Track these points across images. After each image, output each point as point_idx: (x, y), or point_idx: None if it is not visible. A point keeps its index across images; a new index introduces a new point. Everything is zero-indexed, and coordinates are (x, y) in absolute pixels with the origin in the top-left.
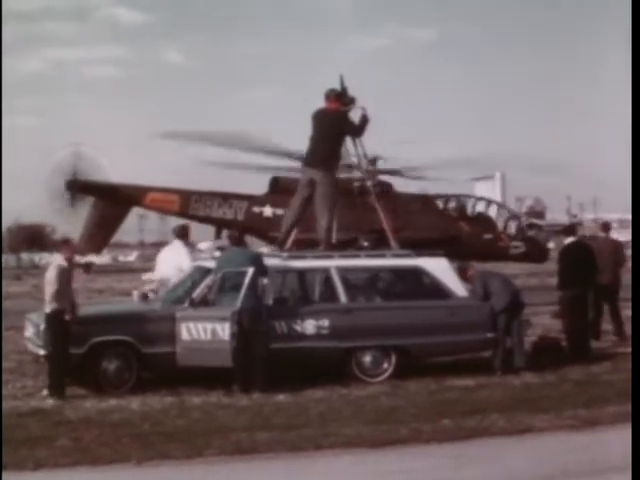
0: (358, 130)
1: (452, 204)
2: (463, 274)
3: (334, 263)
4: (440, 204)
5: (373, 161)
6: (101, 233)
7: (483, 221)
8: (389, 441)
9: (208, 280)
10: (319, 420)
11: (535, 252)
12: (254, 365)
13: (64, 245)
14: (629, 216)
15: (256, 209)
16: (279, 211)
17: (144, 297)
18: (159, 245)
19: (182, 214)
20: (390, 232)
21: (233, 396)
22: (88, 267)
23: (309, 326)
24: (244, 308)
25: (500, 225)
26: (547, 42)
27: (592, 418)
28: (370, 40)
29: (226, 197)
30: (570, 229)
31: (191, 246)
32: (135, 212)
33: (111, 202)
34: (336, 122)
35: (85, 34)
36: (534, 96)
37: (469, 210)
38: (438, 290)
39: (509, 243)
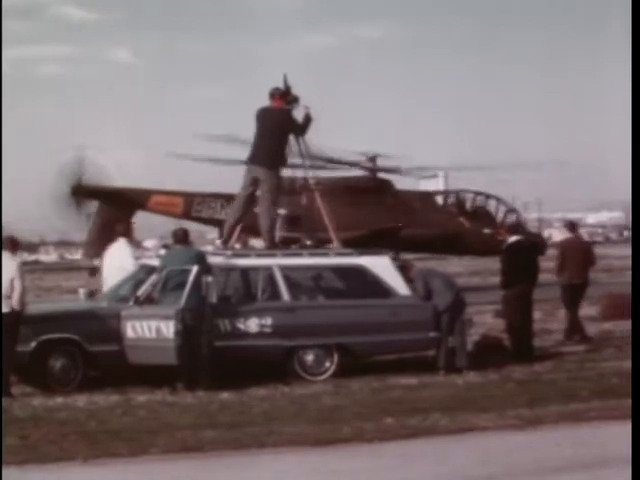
0: (301, 129)
1: (451, 199)
2: (405, 273)
3: (277, 262)
4: (439, 200)
5: (373, 159)
6: (106, 237)
7: (482, 216)
8: (332, 440)
9: (153, 278)
10: (263, 418)
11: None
12: (198, 363)
13: (10, 242)
14: (570, 215)
15: (257, 209)
16: (281, 211)
17: (90, 295)
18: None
19: (185, 216)
20: (332, 230)
21: (178, 394)
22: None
23: (252, 324)
24: (188, 306)
25: (499, 219)
26: (495, 38)
27: (535, 417)
28: (318, 38)
29: (229, 198)
30: (514, 228)
31: (136, 244)
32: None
33: (116, 206)
34: (279, 120)
35: (34, 32)
36: (482, 93)
37: (468, 205)
38: (381, 289)
39: (508, 237)
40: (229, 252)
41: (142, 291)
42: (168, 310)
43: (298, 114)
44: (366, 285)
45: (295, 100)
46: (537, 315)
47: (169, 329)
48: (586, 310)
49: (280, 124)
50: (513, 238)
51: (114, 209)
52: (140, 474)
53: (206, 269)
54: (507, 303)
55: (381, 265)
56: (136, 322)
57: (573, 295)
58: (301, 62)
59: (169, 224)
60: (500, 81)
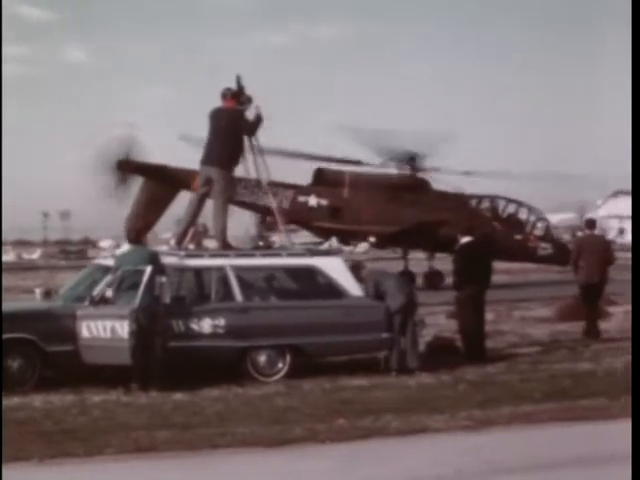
0: (251, 129)
1: (485, 204)
2: (357, 273)
3: (230, 262)
4: (473, 204)
5: (412, 159)
6: (149, 213)
7: (514, 222)
8: (284, 441)
9: (108, 278)
10: (216, 419)
11: (561, 254)
12: (152, 363)
13: None
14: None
15: (301, 198)
16: (323, 202)
17: (47, 295)
18: (62, 243)
19: (229, 200)
20: (284, 230)
21: (132, 394)
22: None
23: (205, 325)
24: (142, 306)
25: (529, 226)
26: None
27: (487, 419)
28: (272, 38)
29: (272, 185)
30: (468, 229)
31: None
32: (38, 210)
33: (161, 184)
34: (231, 120)
35: None
36: (446, 93)
37: (501, 211)
38: (333, 289)
39: (537, 244)
40: (183, 252)
41: (97, 291)
42: (122, 310)
43: (251, 114)
44: (319, 286)
45: (248, 100)
46: (490, 316)
47: (124, 329)
48: (540, 311)
49: (232, 124)
50: (465, 239)
51: (159, 186)
52: (95, 474)
53: (160, 269)
54: (460, 304)
55: (333, 266)
56: (91, 322)
57: (590, 295)
58: (255, 61)
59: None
60: (466, 80)
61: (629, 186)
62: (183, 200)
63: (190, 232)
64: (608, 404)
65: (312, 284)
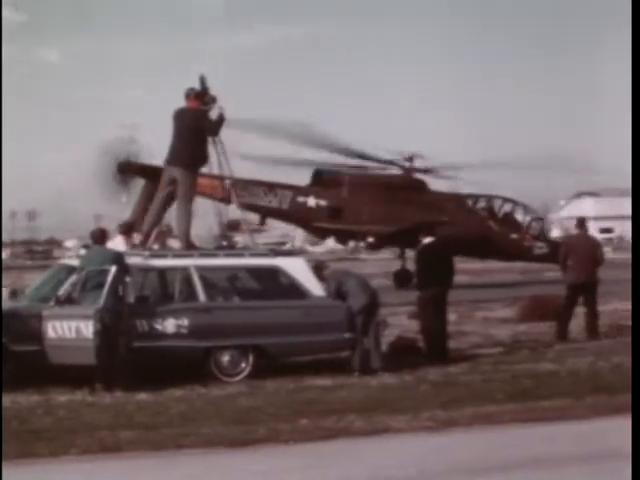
0: (214, 128)
1: (482, 204)
2: (319, 273)
3: (193, 262)
4: (470, 204)
5: (410, 159)
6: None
7: (510, 221)
8: (248, 441)
9: (73, 278)
10: (179, 419)
11: (556, 253)
12: (116, 363)
13: None
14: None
15: (300, 199)
16: (322, 202)
17: (13, 294)
18: (28, 243)
19: (228, 200)
20: (247, 230)
21: (97, 394)
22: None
23: (169, 325)
24: (106, 306)
25: (525, 226)
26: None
27: (449, 419)
28: (239, 39)
29: (271, 186)
30: (429, 230)
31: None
32: (5, 211)
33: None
34: (195, 121)
35: None
36: (409, 93)
37: (497, 210)
38: (296, 290)
39: (533, 243)
40: (147, 252)
41: (62, 291)
42: (87, 310)
43: (215, 114)
44: (281, 286)
45: (213, 100)
46: (452, 317)
47: (88, 329)
48: (502, 312)
49: (195, 124)
50: (427, 239)
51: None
52: (60, 474)
53: (124, 269)
54: (422, 304)
55: (296, 266)
56: (57, 322)
57: (583, 295)
58: (221, 62)
59: (90, 224)
60: (425, 80)
61: (592, 187)
62: None
63: (154, 232)
64: (571, 405)
65: (275, 284)
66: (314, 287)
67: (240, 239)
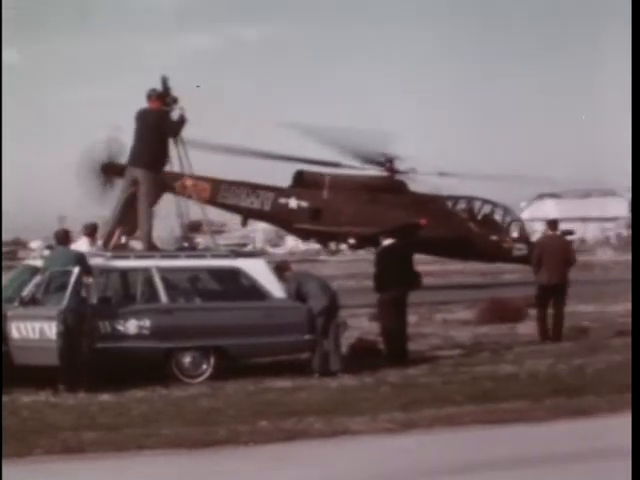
0: (176, 129)
1: (462, 205)
2: (280, 275)
3: (155, 263)
4: (450, 205)
5: (390, 160)
6: (133, 216)
7: (489, 223)
8: (209, 442)
9: (37, 279)
10: (141, 420)
11: None
12: (80, 364)
13: None
14: None
15: (282, 200)
16: (303, 203)
17: None
18: None
19: (212, 202)
20: (208, 231)
21: (60, 395)
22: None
23: (131, 326)
24: (69, 307)
25: (504, 227)
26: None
27: (409, 421)
28: (197, 39)
29: (254, 187)
30: (390, 232)
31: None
32: None
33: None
34: (156, 122)
35: None
36: (371, 92)
37: (477, 212)
38: (256, 291)
39: (513, 245)
40: (109, 254)
41: (26, 292)
42: (51, 311)
43: (176, 115)
44: (242, 287)
45: (174, 101)
46: (412, 319)
47: (52, 330)
48: (462, 314)
49: (156, 125)
50: (387, 241)
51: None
52: (24, 474)
53: (87, 270)
54: (382, 306)
55: (257, 267)
56: (21, 323)
57: (552, 296)
58: (181, 62)
59: (54, 225)
60: (393, 80)
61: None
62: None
63: (116, 233)
64: (530, 407)
65: (236, 286)
66: (275, 288)
67: (201, 240)
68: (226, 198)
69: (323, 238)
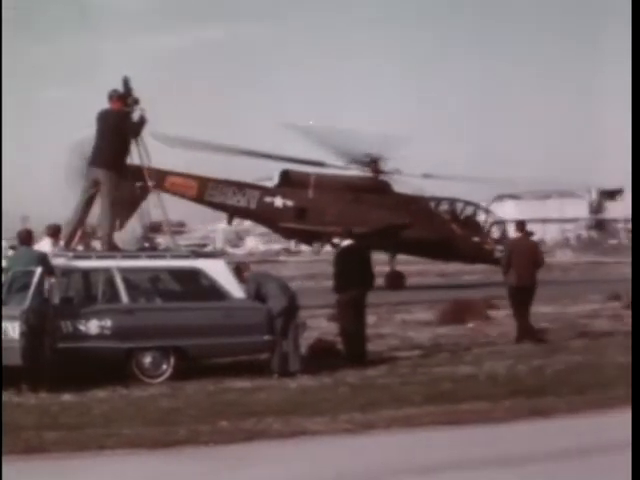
0: (136, 130)
1: (444, 207)
2: (239, 275)
3: (116, 263)
4: (433, 206)
5: (375, 161)
6: (121, 212)
7: (472, 224)
8: (169, 442)
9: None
10: (102, 420)
11: None
12: (42, 364)
13: None
14: None
15: (268, 199)
16: (289, 202)
17: None
18: None
19: (198, 199)
20: (169, 232)
21: (23, 395)
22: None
23: (93, 326)
24: (32, 307)
25: (486, 229)
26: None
27: (368, 422)
28: (161, 39)
29: (241, 186)
30: (348, 232)
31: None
32: None
33: (133, 183)
34: (117, 122)
35: None
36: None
37: (459, 213)
38: (216, 291)
39: (494, 246)
40: (71, 254)
41: None
42: (14, 311)
43: (136, 116)
44: (202, 288)
45: (135, 102)
46: (371, 319)
47: (15, 330)
48: (421, 315)
49: (117, 126)
50: (346, 242)
51: (130, 186)
52: None
53: (49, 270)
54: (340, 307)
55: (217, 268)
56: None
57: (522, 298)
58: (144, 63)
59: (17, 226)
60: (343, 81)
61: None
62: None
63: (78, 233)
64: (489, 408)
65: (196, 286)
66: (234, 289)
67: (162, 241)
68: (213, 196)
69: (308, 237)
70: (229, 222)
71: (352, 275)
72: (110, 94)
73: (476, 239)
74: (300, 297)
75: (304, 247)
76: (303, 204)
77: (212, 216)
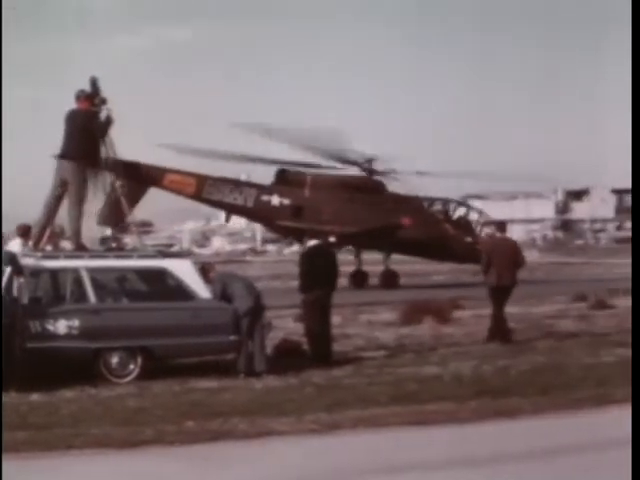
0: (103, 129)
1: (437, 207)
2: (205, 275)
3: (84, 263)
4: (426, 206)
5: (369, 161)
6: (120, 209)
7: (464, 225)
8: (136, 442)
9: None
10: (70, 420)
11: None
12: (11, 364)
13: None
14: None
15: (264, 197)
16: (285, 201)
17: None
18: None
19: (196, 197)
20: (136, 232)
21: None
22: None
23: (61, 326)
24: (2, 307)
25: (478, 229)
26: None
27: (333, 422)
28: (129, 40)
29: (238, 184)
30: (314, 233)
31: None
32: None
33: (132, 180)
34: (84, 122)
35: None
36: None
37: (452, 213)
38: (182, 291)
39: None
40: (39, 254)
41: None
42: None
43: (103, 115)
44: (168, 288)
45: (102, 102)
46: (337, 320)
47: None
48: (386, 315)
49: (84, 125)
50: (312, 242)
51: (129, 183)
52: None
53: (18, 270)
54: (306, 307)
55: (183, 268)
56: None
57: (499, 297)
58: (111, 63)
59: None
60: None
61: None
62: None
63: (47, 233)
64: (455, 408)
65: (162, 286)
66: (200, 289)
67: (129, 240)
68: (211, 194)
69: (304, 236)
70: (226, 220)
71: (318, 275)
72: (77, 94)
73: (469, 239)
74: (266, 297)
75: (270, 247)
76: (300, 203)
77: (179, 216)
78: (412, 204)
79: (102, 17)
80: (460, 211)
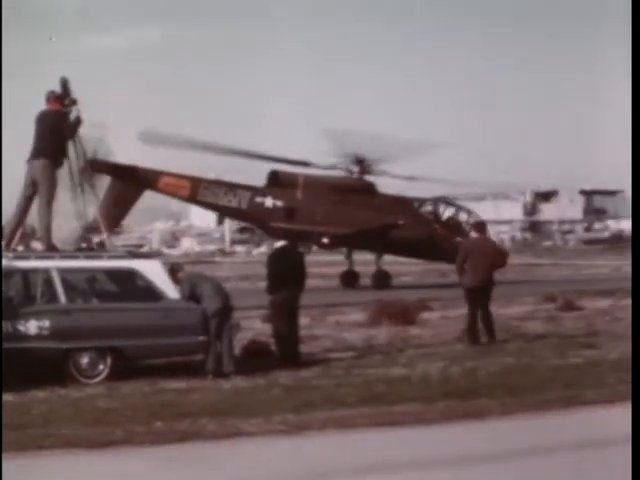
0: (72, 130)
1: (427, 207)
2: (173, 276)
3: (55, 264)
4: (416, 206)
5: (361, 162)
6: (116, 212)
7: (454, 225)
8: (105, 443)
9: None
10: (41, 420)
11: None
12: None
13: None
14: None
15: (258, 199)
16: (279, 203)
17: None
18: None
19: (191, 199)
20: (107, 231)
21: None
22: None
23: (31, 327)
24: None
25: (468, 229)
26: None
27: (301, 423)
28: (100, 40)
29: (232, 186)
30: (283, 232)
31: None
32: None
33: (128, 183)
34: (54, 123)
35: None
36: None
37: (442, 214)
38: (151, 292)
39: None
40: (10, 254)
41: None
42: None
43: (72, 116)
44: (138, 288)
45: (72, 102)
46: (304, 321)
47: None
48: (354, 316)
49: (54, 126)
50: (279, 243)
51: (125, 186)
52: None
53: None
54: (274, 308)
55: (152, 268)
56: None
57: (479, 298)
58: (82, 64)
59: None
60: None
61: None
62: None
63: (18, 234)
64: (423, 409)
65: (132, 287)
66: (169, 290)
67: (99, 240)
68: (206, 196)
69: (298, 237)
70: (219, 222)
71: (285, 276)
72: (47, 95)
73: (458, 239)
74: (234, 298)
75: (239, 248)
76: (292, 204)
77: (149, 216)
78: (403, 205)
79: (71, 16)
80: (450, 211)
